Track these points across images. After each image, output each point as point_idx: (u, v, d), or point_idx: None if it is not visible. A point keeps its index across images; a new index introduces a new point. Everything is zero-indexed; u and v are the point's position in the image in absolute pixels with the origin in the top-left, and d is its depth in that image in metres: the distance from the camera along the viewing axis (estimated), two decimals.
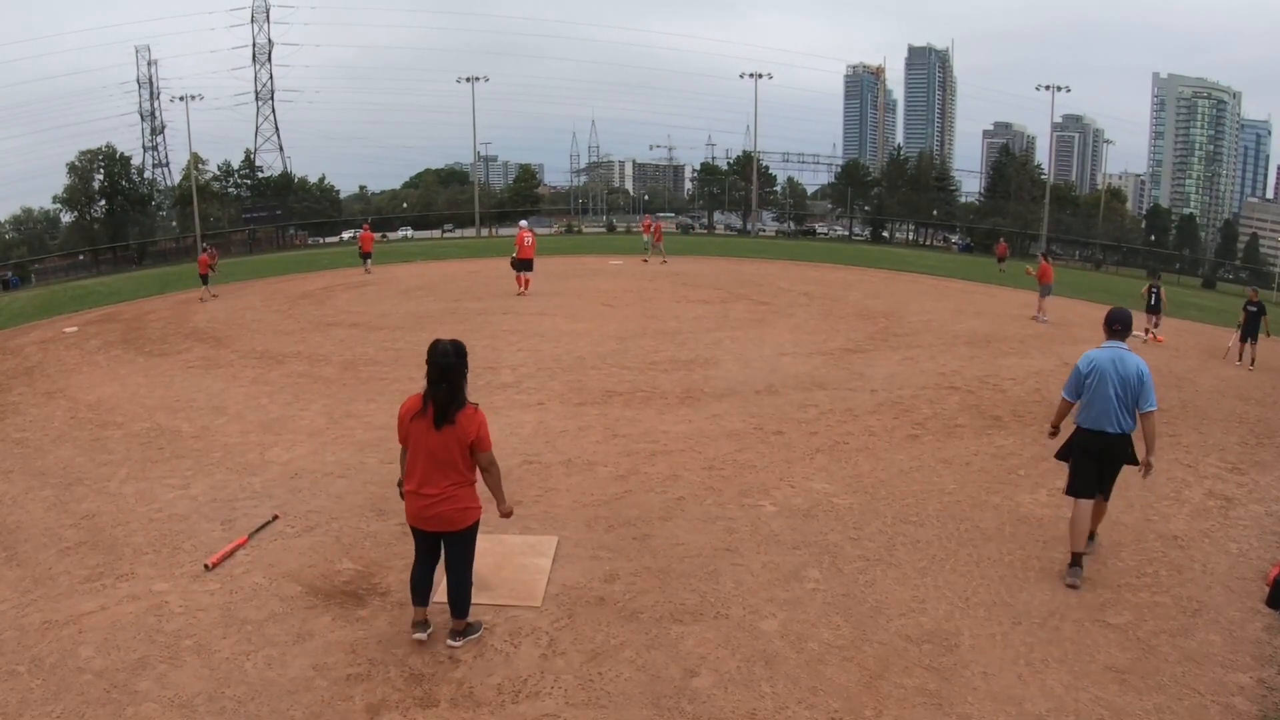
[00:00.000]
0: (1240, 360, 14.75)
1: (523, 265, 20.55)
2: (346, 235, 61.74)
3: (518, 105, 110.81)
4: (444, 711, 4.11)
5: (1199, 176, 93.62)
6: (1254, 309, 15.26)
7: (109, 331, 17.58)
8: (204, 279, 22.70)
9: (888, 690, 4.29)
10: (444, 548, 4.57)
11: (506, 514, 4.66)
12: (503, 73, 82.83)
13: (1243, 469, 8.18)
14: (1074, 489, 5.72)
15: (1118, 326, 5.66)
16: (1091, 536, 6.00)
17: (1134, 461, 5.67)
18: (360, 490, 7.19)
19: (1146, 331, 16.85)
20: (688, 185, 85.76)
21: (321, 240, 60.91)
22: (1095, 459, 5.63)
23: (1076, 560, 5.62)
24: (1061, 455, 5.91)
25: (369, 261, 28.70)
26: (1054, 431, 6.05)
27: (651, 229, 32.19)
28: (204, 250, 25.55)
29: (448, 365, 4.31)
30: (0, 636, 4.85)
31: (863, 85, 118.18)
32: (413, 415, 4.38)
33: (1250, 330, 15.00)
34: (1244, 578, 5.68)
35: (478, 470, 4.49)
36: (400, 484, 4.61)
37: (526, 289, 20.47)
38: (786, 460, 8.00)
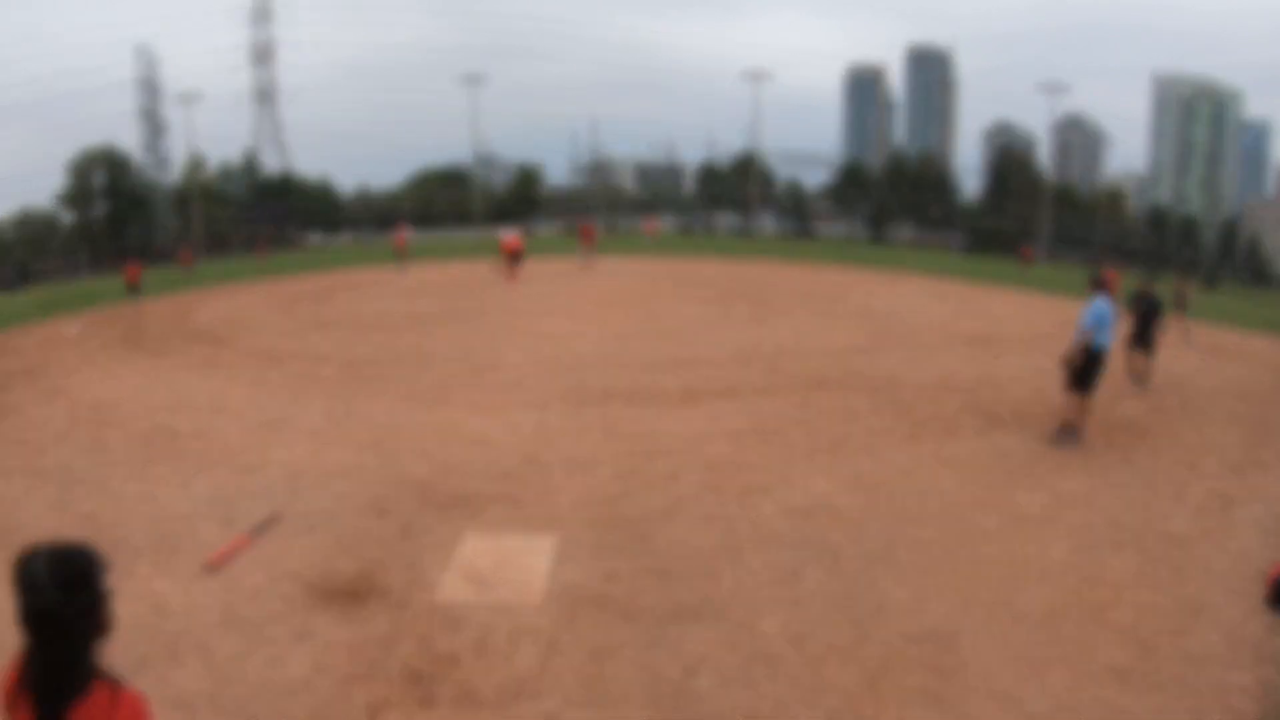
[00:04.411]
0: (1137, 379, 11.39)
1: (510, 259, 23.59)
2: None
3: (518, 104, 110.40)
4: (444, 711, 4.11)
5: (1199, 177, 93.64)
6: (1146, 305, 11.45)
7: (109, 332, 17.54)
8: (135, 289, 21.50)
9: (888, 690, 4.29)
10: None
11: None
12: (503, 72, 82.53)
13: (1243, 469, 8.18)
14: (1077, 387, 8.54)
15: (1101, 284, 8.68)
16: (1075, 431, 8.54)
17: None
18: (360, 490, 7.18)
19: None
20: (688, 185, 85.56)
21: (323, 240, 60.07)
22: (1097, 365, 8.43)
23: (1068, 425, 8.65)
24: (1072, 367, 8.52)
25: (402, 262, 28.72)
26: (1070, 363, 8.56)
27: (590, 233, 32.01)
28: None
29: (44, 609, 1.91)
30: (0, 640, 4.79)
31: (864, 85, 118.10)
32: (12, 695, 2.00)
33: (1142, 334, 11.37)
34: (1244, 577, 5.67)
35: None
36: None
37: (514, 280, 22.99)
38: (787, 460, 8.00)
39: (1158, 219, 69.84)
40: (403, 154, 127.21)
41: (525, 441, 8.54)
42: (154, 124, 59.64)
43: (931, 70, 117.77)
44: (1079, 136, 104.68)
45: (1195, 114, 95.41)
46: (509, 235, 24.37)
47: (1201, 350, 15.26)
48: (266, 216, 57.51)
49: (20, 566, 1.97)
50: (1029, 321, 18.22)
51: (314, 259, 38.81)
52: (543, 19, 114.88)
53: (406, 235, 30.44)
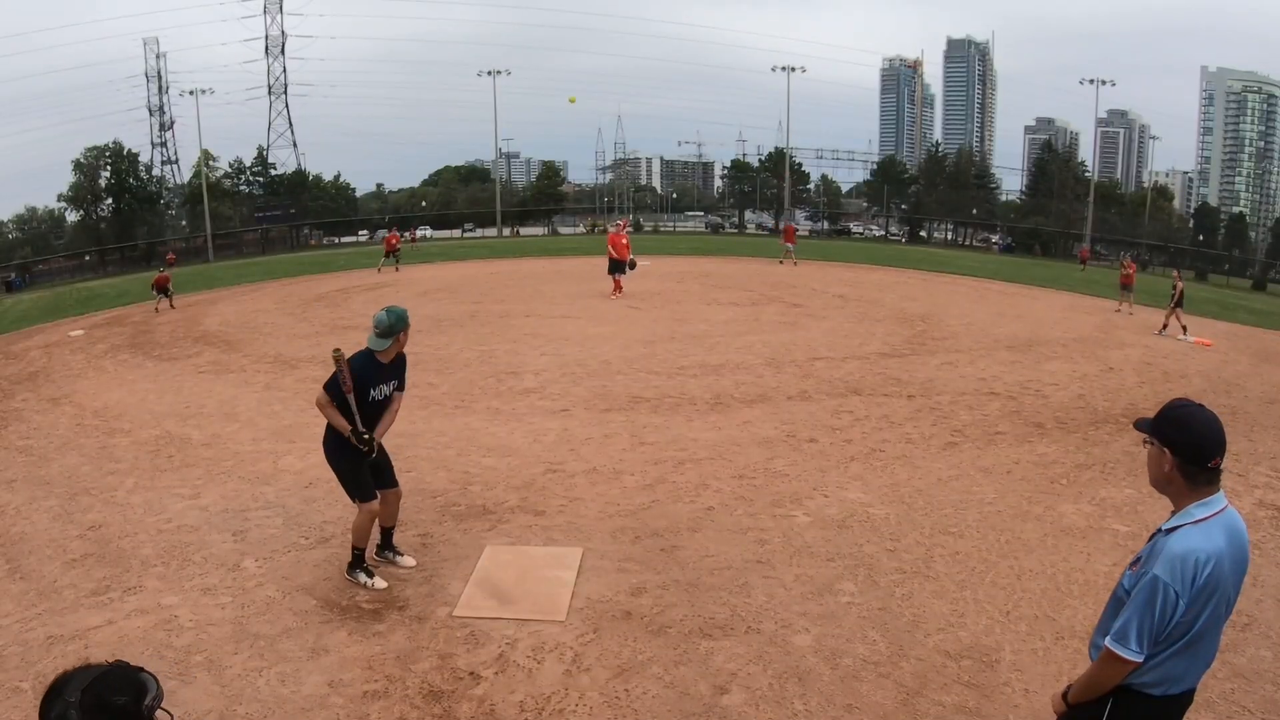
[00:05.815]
0: None
1: (616, 267, 20.44)
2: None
3: (541, 99, 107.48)
4: None
5: (1249, 174, 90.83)
6: None
7: (116, 335, 17.45)
8: (165, 289, 21.77)
9: (925, 708, 4.17)
10: None
11: None
12: (526, 66, 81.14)
13: None
14: None
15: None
16: None
17: None
18: None
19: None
20: (718, 183, 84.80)
21: (337, 240, 58.57)
22: None
23: None
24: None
25: (390, 261, 29.33)
26: None
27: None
28: (162, 269, 24.77)
29: None
30: (3, 652, 4.76)
31: (899, 79, 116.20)
32: None
33: None
34: None
35: None
36: None
37: (618, 293, 20.19)
38: (820, 469, 7.85)
39: (1205, 217, 67.94)
40: (421, 151, 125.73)
41: (548, 450, 8.43)
42: (162, 119, 58.16)
43: (970, 63, 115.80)
44: (1123, 133, 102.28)
45: (1245, 109, 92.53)
46: (616, 230, 21.24)
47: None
48: (278, 217, 56.33)
49: (51, 708, 1.71)
50: (1073, 324, 17.81)
51: (329, 259, 38.61)
52: (567, 10, 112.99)
53: (416, 234, 30.76)
